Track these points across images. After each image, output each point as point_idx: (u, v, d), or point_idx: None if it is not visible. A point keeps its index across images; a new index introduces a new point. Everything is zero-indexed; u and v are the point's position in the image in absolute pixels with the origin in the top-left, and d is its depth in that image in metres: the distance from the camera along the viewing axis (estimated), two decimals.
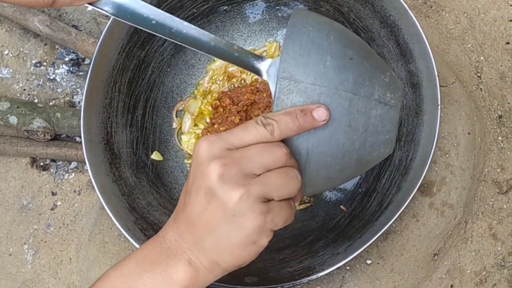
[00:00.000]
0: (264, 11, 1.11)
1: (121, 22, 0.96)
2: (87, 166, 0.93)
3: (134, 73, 1.03)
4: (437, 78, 0.92)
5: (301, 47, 0.63)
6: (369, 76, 0.64)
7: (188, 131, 1.11)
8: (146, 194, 1.02)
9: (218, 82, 1.11)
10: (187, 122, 1.11)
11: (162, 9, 1.01)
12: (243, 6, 1.10)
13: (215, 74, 1.12)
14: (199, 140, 0.61)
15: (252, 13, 1.11)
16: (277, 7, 1.10)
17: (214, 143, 0.59)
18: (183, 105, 1.12)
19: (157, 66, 1.07)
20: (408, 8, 0.92)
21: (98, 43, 0.95)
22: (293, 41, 0.63)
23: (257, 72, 0.68)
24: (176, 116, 1.12)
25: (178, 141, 1.11)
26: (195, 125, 1.11)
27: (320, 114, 0.61)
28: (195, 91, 1.12)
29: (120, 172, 0.99)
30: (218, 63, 1.11)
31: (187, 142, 1.10)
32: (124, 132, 1.02)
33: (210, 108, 1.09)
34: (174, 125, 1.12)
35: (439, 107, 0.92)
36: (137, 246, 0.91)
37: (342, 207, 1.04)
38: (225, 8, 1.09)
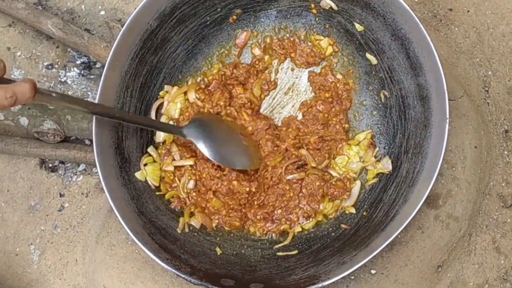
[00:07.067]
0: (276, 20, 1.12)
1: (135, 28, 0.98)
2: (98, 169, 0.94)
3: (146, 78, 1.04)
4: (446, 92, 0.92)
5: None
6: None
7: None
8: (155, 199, 1.02)
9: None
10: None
11: (176, 16, 1.03)
12: (257, 14, 1.11)
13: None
14: None
15: (263, 22, 1.12)
16: (287, 18, 1.12)
17: None
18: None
19: (169, 72, 1.08)
20: (419, 22, 0.93)
21: (112, 48, 0.95)
22: None
23: (182, 135, 1.03)
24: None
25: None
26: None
27: None
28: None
29: (130, 176, 1.00)
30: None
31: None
32: (134, 137, 1.03)
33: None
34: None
35: (447, 120, 0.92)
36: (145, 250, 0.92)
37: (343, 225, 1.04)
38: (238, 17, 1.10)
